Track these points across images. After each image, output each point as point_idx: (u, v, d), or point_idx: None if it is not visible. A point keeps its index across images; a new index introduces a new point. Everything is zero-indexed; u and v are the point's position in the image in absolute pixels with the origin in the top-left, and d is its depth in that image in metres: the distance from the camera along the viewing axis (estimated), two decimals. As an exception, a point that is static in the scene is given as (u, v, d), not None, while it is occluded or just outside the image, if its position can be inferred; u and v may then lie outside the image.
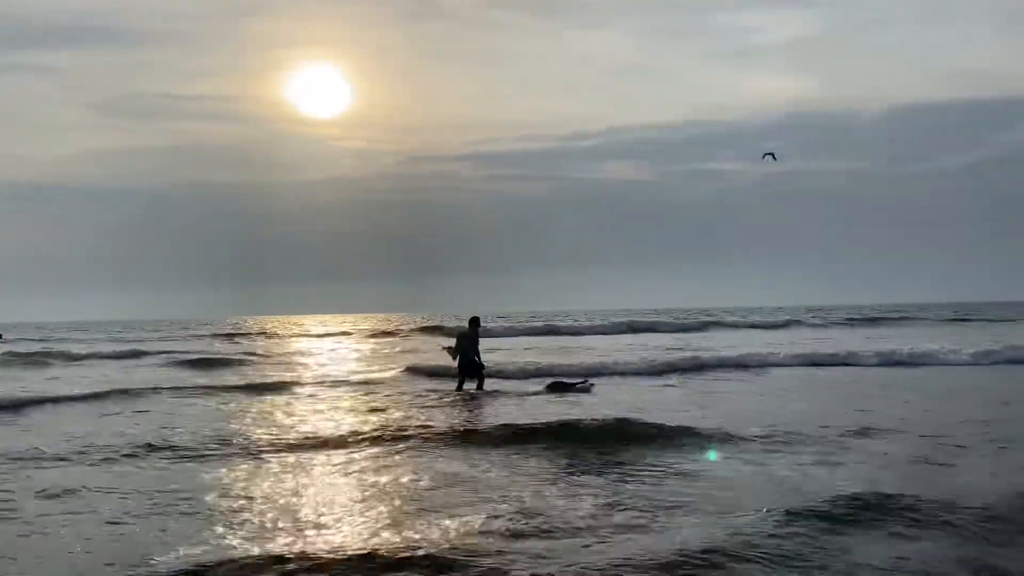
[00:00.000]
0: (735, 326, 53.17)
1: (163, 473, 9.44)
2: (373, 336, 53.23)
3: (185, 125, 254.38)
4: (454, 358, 16.78)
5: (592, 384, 17.53)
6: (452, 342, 17.00)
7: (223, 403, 16.34)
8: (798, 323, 56.28)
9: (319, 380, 21.16)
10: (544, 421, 11.99)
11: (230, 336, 57.18)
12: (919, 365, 22.89)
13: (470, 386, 16.77)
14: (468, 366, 16.76)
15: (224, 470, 9.44)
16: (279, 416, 14.07)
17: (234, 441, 11.29)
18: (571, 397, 16.24)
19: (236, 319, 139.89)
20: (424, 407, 14.80)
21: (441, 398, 15.93)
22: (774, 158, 22.92)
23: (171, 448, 10.83)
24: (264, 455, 10.34)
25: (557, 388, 17.18)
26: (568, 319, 74.03)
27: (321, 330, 67.06)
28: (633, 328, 50.80)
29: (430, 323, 67.76)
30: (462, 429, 11.97)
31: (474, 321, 17.11)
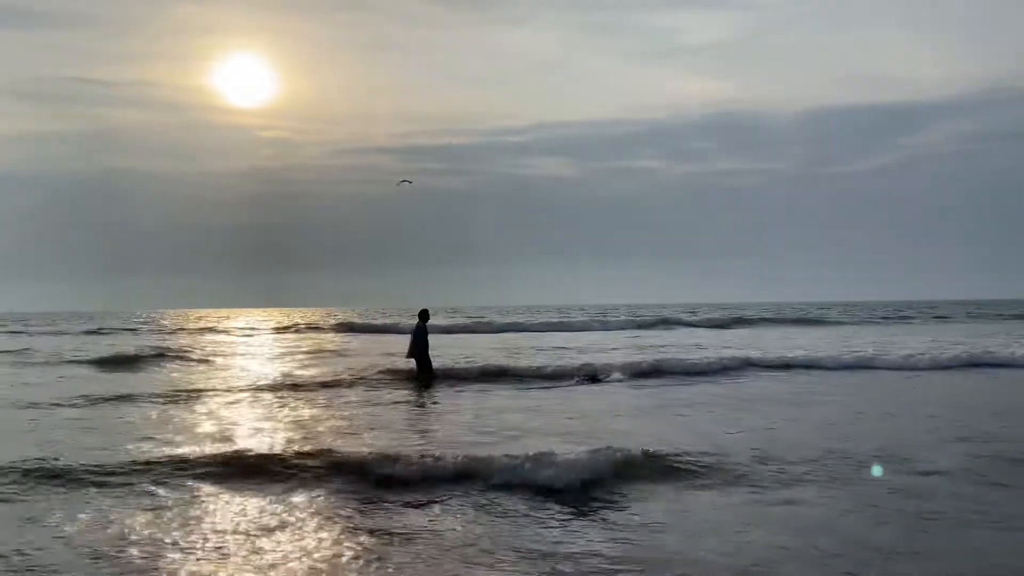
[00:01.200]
0: (687, 324, 51.06)
1: None
2: (297, 331, 49.55)
3: (103, 111, 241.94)
4: (408, 356, 17.34)
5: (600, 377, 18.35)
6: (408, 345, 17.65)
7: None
8: (763, 320, 55.13)
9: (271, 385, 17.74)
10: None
11: (133, 331, 51.79)
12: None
13: (421, 375, 17.19)
14: (420, 360, 17.18)
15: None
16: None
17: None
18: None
19: (151, 312, 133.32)
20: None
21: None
22: (409, 183, 27.37)
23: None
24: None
25: (587, 378, 17.89)
26: (494, 315, 71.55)
27: (250, 325, 61.99)
28: (585, 327, 48.70)
29: (358, 318, 64.11)
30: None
31: (424, 315, 17.23)
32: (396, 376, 17.97)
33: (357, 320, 57.73)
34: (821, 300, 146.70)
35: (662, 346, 29.30)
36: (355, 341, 36.97)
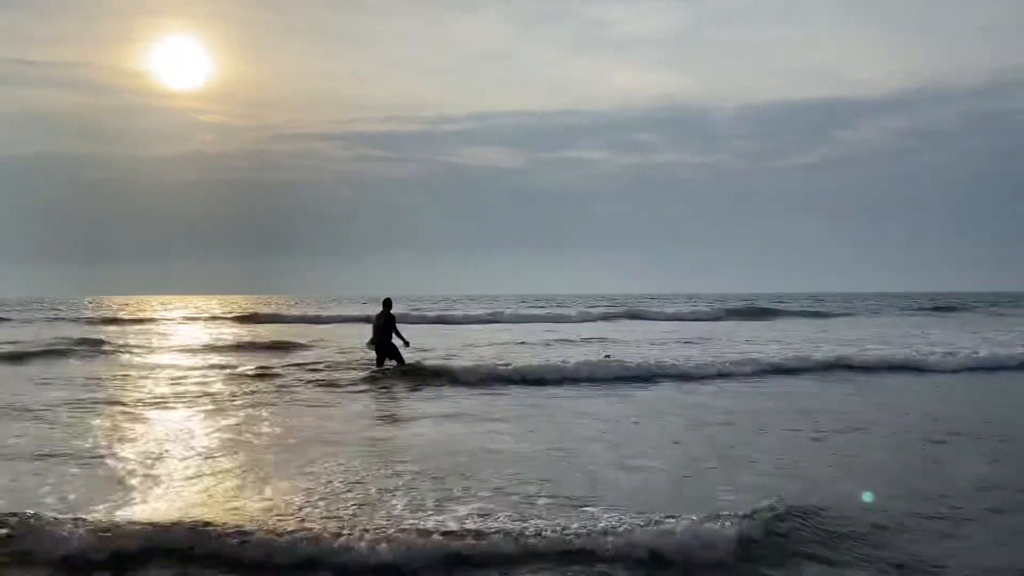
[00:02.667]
0: (646, 317, 49.19)
1: None
2: (240, 320, 46.71)
3: (32, 92, 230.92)
4: (370, 346, 17.13)
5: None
6: (370, 335, 17.29)
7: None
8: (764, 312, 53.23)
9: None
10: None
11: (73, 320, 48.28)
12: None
13: (391, 364, 16.88)
14: (386, 348, 16.94)
15: None
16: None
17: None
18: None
19: (84, 298, 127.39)
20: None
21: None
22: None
23: None
24: None
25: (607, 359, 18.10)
26: (433, 305, 69.36)
27: (189, 313, 58.67)
28: (541, 318, 46.67)
29: (304, 308, 61.27)
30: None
31: (387, 303, 17.10)
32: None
33: (283, 310, 55.18)
34: (761, 291, 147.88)
35: (699, 338, 26.79)
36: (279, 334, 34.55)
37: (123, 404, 12.35)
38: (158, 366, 18.85)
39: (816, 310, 56.33)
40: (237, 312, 55.39)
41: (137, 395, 13.46)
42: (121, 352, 22.57)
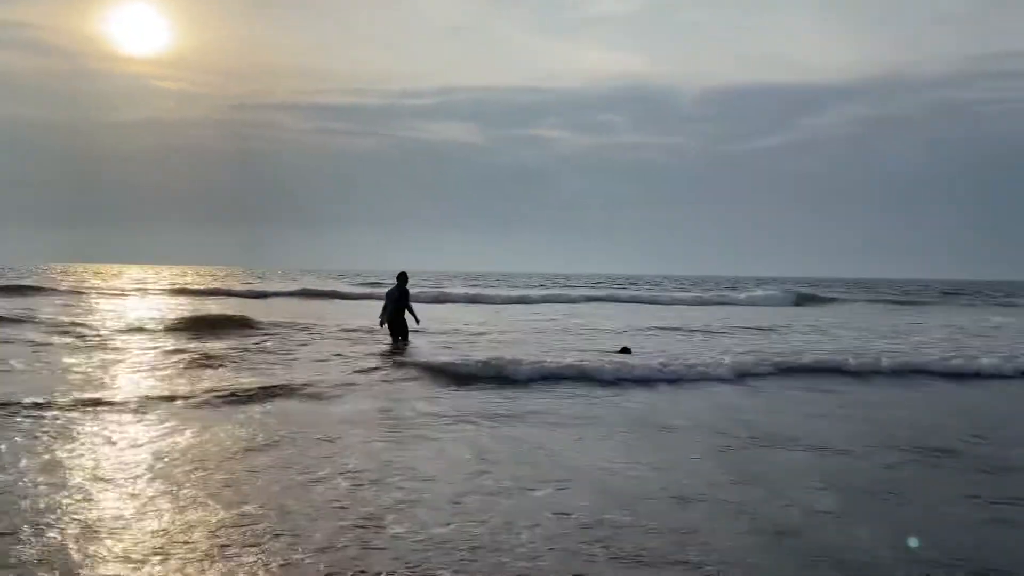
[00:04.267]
0: (615, 300, 46.50)
1: None
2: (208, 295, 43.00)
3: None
4: (382, 324, 16.15)
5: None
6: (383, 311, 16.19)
7: None
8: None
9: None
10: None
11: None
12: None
13: (401, 341, 16.01)
14: (400, 324, 16.15)
15: None
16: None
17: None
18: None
19: (34, 265, 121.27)
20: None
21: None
22: None
23: None
24: None
25: (624, 352, 15.72)
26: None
27: (139, 284, 54.36)
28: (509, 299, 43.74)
29: (262, 282, 57.61)
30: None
31: (403, 277, 16.24)
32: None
33: (235, 284, 51.72)
34: (722, 274, 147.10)
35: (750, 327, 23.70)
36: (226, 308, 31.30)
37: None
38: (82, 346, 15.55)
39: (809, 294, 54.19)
40: (195, 284, 51.71)
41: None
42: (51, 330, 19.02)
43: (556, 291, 51.56)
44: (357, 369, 12.72)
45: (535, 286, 65.14)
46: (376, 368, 12.89)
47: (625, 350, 15.81)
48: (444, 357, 13.40)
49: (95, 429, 8.08)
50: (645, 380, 12.51)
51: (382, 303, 16.44)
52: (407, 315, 16.19)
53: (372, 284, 53.32)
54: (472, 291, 46.44)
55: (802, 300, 47.13)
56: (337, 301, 36.74)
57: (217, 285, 50.68)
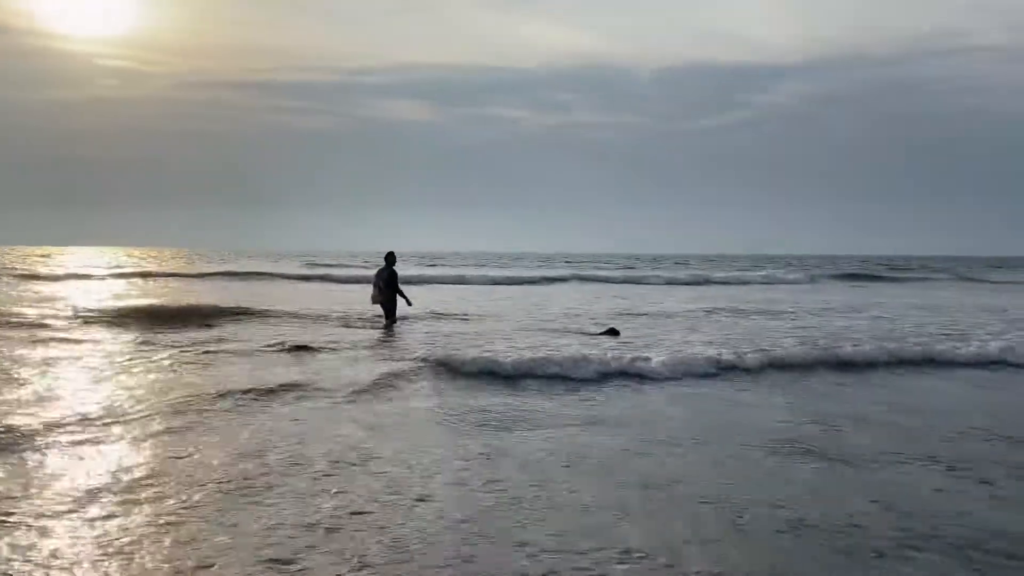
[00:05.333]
0: (587, 279, 45.19)
1: None
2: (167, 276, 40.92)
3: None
4: (375, 301, 16.24)
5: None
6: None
7: None
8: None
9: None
10: None
11: None
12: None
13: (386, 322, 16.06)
14: (393, 306, 16.14)
15: None
16: None
17: None
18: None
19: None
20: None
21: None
22: None
23: None
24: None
25: (611, 333, 15.34)
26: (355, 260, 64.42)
27: (74, 268, 52.06)
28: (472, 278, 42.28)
29: (219, 265, 55.32)
30: None
31: (391, 258, 16.18)
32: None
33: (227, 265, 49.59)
34: (678, 252, 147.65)
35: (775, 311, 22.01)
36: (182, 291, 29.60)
37: None
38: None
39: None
40: (138, 267, 49.38)
41: None
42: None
43: (514, 272, 50.39)
44: (385, 370, 10.71)
45: (496, 266, 64.07)
46: (414, 365, 11.05)
47: (612, 331, 15.45)
48: (485, 354, 11.42)
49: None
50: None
51: (369, 285, 16.72)
52: (398, 297, 16.23)
53: (326, 266, 51.69)
54: (434, 272, 45.02)
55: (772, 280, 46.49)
56: (299, 284, 35.04)
57: (167, 267, 48.54)
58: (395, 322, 16.04)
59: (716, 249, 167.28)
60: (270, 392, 8.97)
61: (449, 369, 10.75)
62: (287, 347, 12.63)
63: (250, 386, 9.21)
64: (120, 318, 16.73)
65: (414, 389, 9.57)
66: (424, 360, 11.15)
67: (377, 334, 15.00)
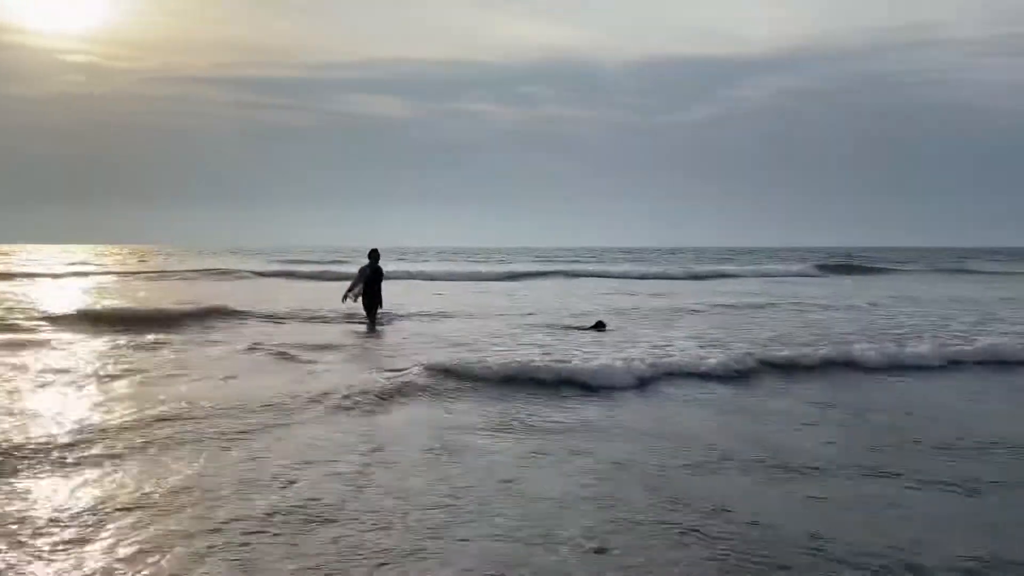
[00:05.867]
0: (577, 274, 44.13)
1: None
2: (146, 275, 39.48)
3: None
4: (356, 299, 15.38)
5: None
6: (349, 288, 15.50)
7: None
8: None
9: None
10: None
11: None
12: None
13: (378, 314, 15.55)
14: (371, 305, 15.45)
15: None
16: None
17: None
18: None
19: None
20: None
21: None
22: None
23: None
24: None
25: (598, 327, 15.10)
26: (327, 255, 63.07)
27: (35, 267, 50.45)
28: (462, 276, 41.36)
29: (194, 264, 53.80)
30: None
31: (375, 254, 15.58)
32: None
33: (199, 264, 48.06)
34: (648, 245, 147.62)
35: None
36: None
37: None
38: None
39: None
40: (98, 265, 47.88)
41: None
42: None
43: (493, 267, 49.53)
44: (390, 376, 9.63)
45: (469, 261, 63.21)
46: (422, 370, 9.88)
47: (599, 325, 15.15)
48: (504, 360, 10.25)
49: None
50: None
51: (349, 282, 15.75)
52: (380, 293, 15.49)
53: (298, 262, 50.48)
54: (410, 267, 43.99)
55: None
56: (293, 281, 33.88)
57: (130, 266, 47.11)
58: (378, 321, 15.53)
59: (690, 242, 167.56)
60: (246, 411, 8.03)
61: (463, 376, 9.63)
62: (268, 351, 11.72)
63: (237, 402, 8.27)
64: (71, 322, 15.41)
65: (425, 401, 8.65)
66: (436, 367, 9.88)
67: (364, 335, 14.17)
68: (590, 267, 49.85)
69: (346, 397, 8.29)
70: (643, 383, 9.60)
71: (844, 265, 52.66)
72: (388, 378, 9.37)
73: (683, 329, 15.11)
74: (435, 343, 12.70)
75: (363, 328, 14.93)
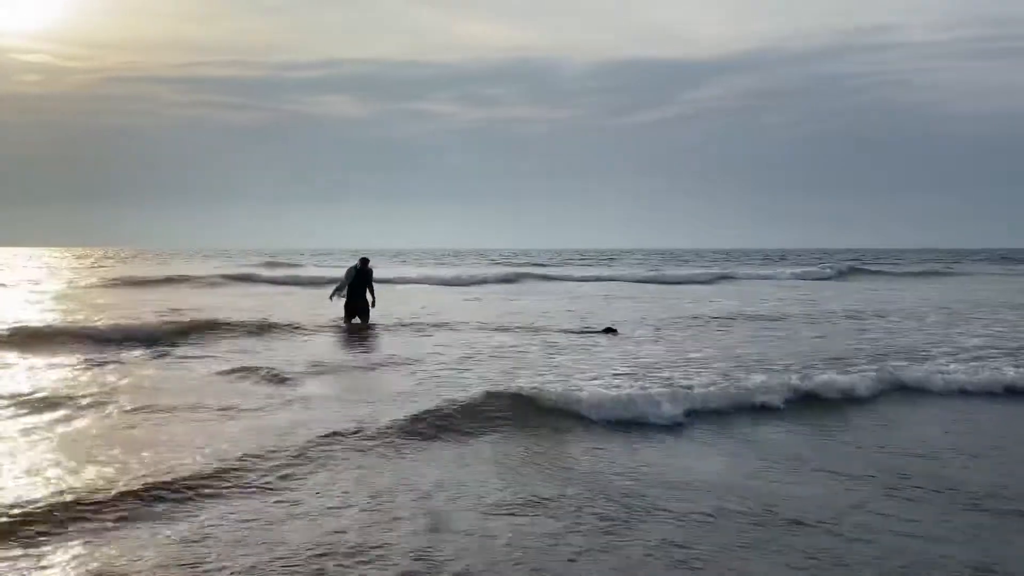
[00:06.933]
0: (547, 277, 42.45)
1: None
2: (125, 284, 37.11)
3: None
4: (342, 298, 15.61)
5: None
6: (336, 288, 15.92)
7: None
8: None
9: None
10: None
11: None
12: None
13: (357, 321, 15.42)
14: (359, 306, 15.52)
15: None
16: None
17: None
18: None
19: None
20: None
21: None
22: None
23: None
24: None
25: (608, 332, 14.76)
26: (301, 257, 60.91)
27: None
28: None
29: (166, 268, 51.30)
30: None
31: (367, 260, 15.81)
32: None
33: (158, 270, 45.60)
34: (612, 247, 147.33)
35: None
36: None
37: None
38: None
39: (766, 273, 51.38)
40: (50, 269, 45.41)
41: None
42: None
43: (466, 270, 47.96)
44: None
45: (434, 263, 61.72)
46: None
47: (610, 330, 14.83)
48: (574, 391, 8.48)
49: None
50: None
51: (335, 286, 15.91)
52: (371, 295, 15.60)
53: (268, 265, 48.39)
54: (383, 272, 42.12)
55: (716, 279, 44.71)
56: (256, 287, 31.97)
57: (83, 270, 44.72)
58: (368, 323, 15.30)
59: (650, 244, 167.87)
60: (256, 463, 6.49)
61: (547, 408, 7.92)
62: (245, 373, 10.13)
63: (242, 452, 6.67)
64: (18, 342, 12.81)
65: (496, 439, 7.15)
66: (504, 394, 8.19)
67: (357, 348, 12.70)
68: (555, 271, 48.31)
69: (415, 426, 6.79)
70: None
71: (857, 269, 50.69)
72: (456, 403, 7.86)
73: (710, 343, 13.76)
74: (462, 359, 11.25)
75: (352, 340, 13.49)
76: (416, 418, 7.33)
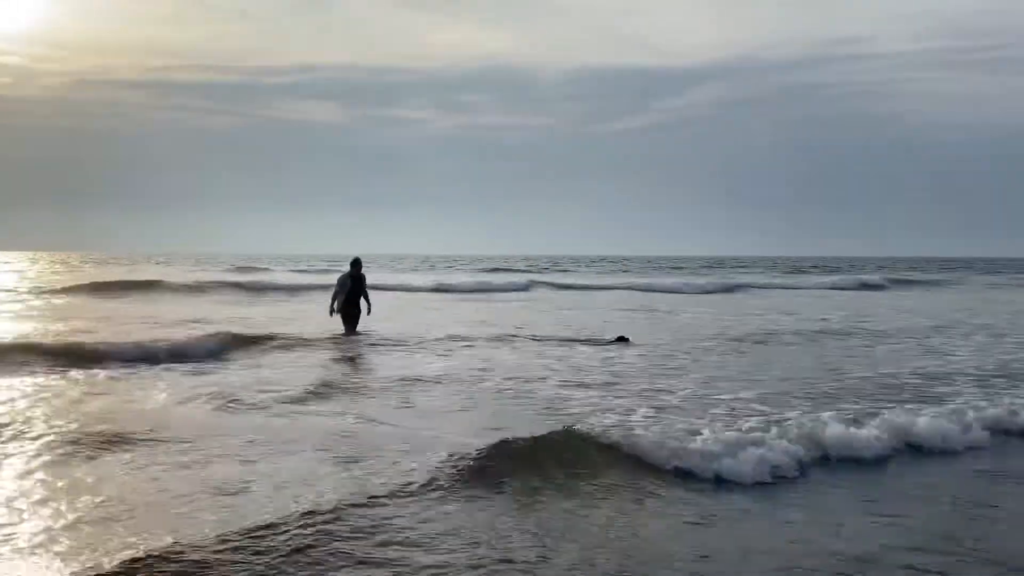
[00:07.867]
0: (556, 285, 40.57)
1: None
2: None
3: None
4: (336, 310, 14.57)
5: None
6: (332, 299, 14.75)
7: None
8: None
9: None
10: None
11: None
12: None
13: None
14: (352, 314, 14.60)
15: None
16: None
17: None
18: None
19: None
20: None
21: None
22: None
23: None
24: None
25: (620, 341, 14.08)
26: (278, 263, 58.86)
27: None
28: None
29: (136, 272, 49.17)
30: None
31: (357, 262, 14.87)
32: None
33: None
34: (589, 253, 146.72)
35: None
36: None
37: None
38: None
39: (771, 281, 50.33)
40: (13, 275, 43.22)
41: None
42: None
43: (444, 277, 46.43)
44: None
45: (416, 270, 60.04)
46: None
47: (622, 339, 14.29)
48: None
49: None
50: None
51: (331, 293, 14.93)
52: (362, 303, 14.81)
53: (252, 270, 46.55)
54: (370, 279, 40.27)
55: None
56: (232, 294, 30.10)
57: (50, 277, 42.67)
58: (356, 332, 14.49)
59: (629, 251, 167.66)
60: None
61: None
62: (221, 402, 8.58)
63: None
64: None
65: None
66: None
67: (350, 370, 11.21)
68: (538, 277, 46.62)
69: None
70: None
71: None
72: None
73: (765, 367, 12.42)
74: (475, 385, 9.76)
75: (354, 359, 12.02)
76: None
